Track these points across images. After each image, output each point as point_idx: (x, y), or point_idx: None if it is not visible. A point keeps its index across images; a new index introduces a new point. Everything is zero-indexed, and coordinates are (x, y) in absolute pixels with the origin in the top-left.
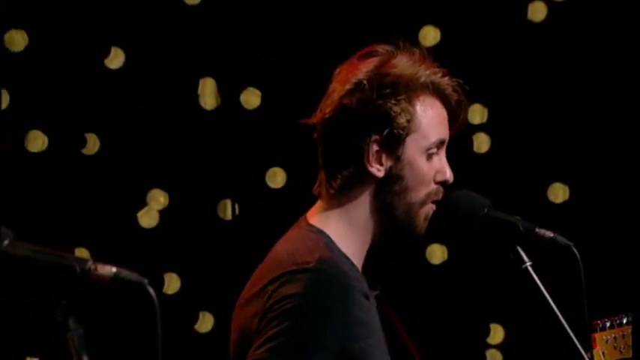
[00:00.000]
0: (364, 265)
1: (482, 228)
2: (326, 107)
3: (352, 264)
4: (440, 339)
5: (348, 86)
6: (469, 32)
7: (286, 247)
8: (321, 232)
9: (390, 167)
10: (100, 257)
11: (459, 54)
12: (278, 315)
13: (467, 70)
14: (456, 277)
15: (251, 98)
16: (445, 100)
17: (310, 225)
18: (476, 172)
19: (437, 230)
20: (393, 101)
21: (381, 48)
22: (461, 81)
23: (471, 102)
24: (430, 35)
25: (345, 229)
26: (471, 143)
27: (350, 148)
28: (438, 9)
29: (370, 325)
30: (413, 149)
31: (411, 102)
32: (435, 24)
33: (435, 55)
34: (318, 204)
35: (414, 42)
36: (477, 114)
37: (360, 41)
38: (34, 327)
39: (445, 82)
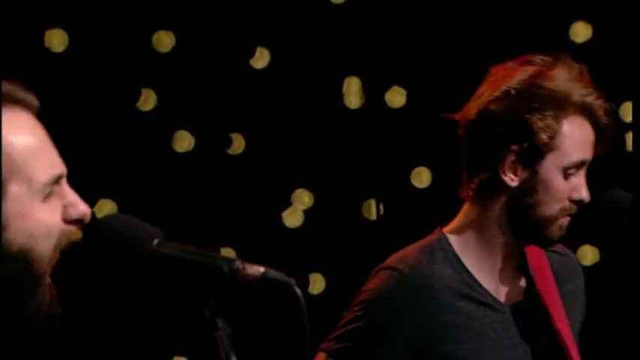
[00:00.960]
0: (503, 274)
1: None
2: (472, 109)
3: (464, 269)
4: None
5: (497, 93)
6: (621, 28)
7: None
8: (440, 237)
9: (525, 179)
10: (244, 257)
11: (610, 51)
12: (351, 306)
13: (617, 67)
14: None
15: (396, 97)
16: (594, 123)
17: (439, 229)
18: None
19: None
20: (538, 116)
21: (540, 58)
22: (613, 105)
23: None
24: (582, 32)
25: (472, 237)
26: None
27: (488, 154)
28: (589, 4)
29: (472, 331)
30: (551, 166)
31: (557, 119)
32: (587, 20)
33: (585, 52)
34: (462, 207)
35: (565, 39)
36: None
37: (509, 40)
38: (183, 326)
39: (598, 104)
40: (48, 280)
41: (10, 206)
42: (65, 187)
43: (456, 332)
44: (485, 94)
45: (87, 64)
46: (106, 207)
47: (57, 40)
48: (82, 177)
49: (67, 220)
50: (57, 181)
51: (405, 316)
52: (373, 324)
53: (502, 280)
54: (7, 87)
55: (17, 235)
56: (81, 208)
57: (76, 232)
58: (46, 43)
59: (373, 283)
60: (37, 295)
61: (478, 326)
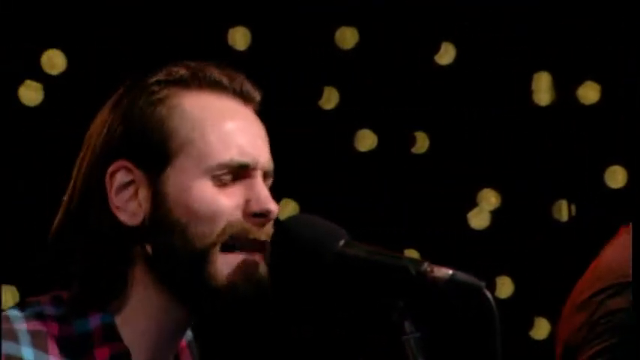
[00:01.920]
0: None
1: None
2: None
3: None
4: None
5: None
6: None
7: (615, 256)
8: None
9: None
10: (429, 259)
11: None
12: (606, 330)
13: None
14: None
15: (589, 93)
16: None
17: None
18: None
19: None
20: None
21: None
22: None
23: None
24: None
25: None
26: None
27: None
28: None
29: None
30: None
31: None
32: None
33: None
34: None
35: None
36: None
37: None
38: (370, 330)
39: None
40: (217, 254)
41: (173, 177)
42: (256, 181)
43: None
44: None
45: (269, 63)
46: (289, 207)
47: (240, 38)
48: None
49: (247, 213)
50: (241, 169)
51: None
52: (635, 350)
53: None
54: (216, 74)
55: (174, 208)
56: (266, 205)
57: (256, 229)
58: (229, 42)
59: (624, 302)
60: (197, 268)
61: None
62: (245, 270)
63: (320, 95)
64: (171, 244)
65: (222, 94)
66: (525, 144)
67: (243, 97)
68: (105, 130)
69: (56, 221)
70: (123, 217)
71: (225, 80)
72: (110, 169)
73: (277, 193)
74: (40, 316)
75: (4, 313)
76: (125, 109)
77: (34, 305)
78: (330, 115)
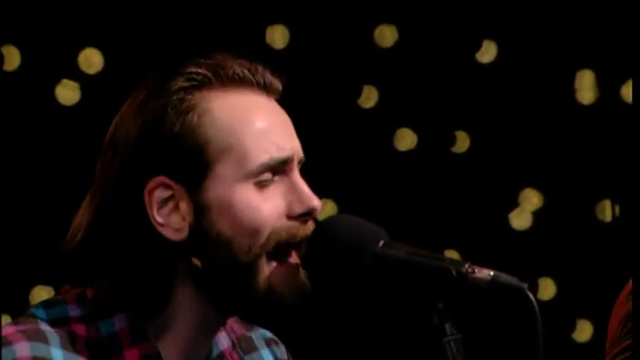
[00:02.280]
0: None
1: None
2: None
3: None
4: None
5: None
6: None
7: None
8: None
9: None
10: (469, 260)
11: None
12: (633, 328)
13: None
14: None
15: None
16: None
17: None
18: None
19: None
20: None
21: None
22: None
23: None
24: None
25: None
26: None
27: None
28: None
29: None
30: None
31: None
32: None
33: None
34: None
35: None
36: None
37: None
38: (410, 330)
39: None
40: (263, 265)
41: (214, 187)
42: (295, 175)
43: None
44: None
45: (307, 61)
46: (327, 207)
47: (278, 36)
48: (300, 175)
49: (291, 216)
50: (280, 164)
51: None
52: None
53: None
54: (239, 70)
55: (217, 220)
56: (309, 203)
57: (300, 228)
58: (268, 40)
59: None
60: (243, 281)
61: None
62: (288, 278)
63: (359, 94)
64: (216, 256)
65: (246, 89)
66: (568, 143)
67: (267, 89)
68: (133, 143)
69: (84, 226)
70: (166, 233)
71: (247, 74)
72: (148, 187)
73: (315, 193)
74: (66, 317)
75: (29, 312)
76: (154, 121)
77: (59, 304)
78: (369, 114)
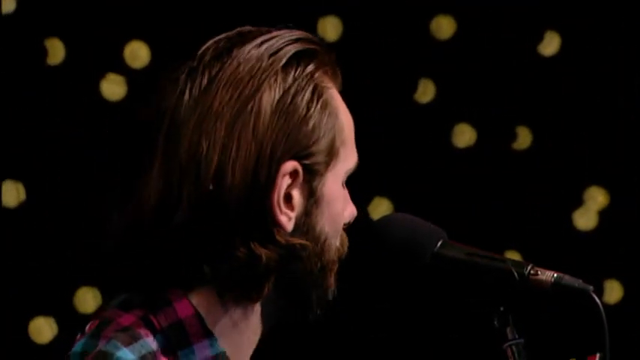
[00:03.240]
0: None
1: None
2: None
3: None
4: None
5: None
6: None
7: None
8: None
9: None
10: (532, 261)
11: None
12: None
13: None
14: None
15: None
16: None
17: None
18: None
19: None
20: None
21: None
22: None
23: None
24: None
25: None
26: None
27: None
28: None
29: None
30: None
31: None
32: None
33: None
34: None
35: None
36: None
37: None
38: (469, 336)
39: None
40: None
41: (330, 182)
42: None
43: None
44: None
45: (361, 54)
46: (382, 206)
47: (331, 28)
48: (355, 174)
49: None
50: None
51: None
52: None
53: None
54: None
55: (324, 214)
56: (354, 212)
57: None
58: (319, 32)
59: None
60: (320, 285)
61: None
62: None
63: (415, 88)
64: (312, 252)
65: (337, 83)
66: (636, 139)
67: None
68: (261, 122)
69: (157, 199)
70: (281, 219)
71: (338, 70)
72: (282, 170)
73: (370, 192)
74: (148, 354)
75: (103, 350)
76: (281, 101)
77: (135, 338)
78: (425, 109)
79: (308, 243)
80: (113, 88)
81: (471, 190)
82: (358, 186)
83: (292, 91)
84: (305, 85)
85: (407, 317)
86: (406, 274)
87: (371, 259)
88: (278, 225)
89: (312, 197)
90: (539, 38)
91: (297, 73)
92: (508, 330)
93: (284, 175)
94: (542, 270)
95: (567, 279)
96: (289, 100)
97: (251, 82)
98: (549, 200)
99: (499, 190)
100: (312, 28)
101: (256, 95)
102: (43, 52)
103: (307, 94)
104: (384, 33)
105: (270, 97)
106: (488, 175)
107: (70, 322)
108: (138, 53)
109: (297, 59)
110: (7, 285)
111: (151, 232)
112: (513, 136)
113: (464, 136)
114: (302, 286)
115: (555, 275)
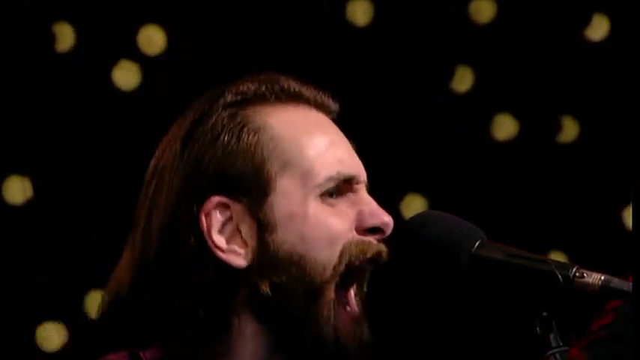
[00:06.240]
0: None
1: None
2: None
3: None
4: None
5: None
6: None
7: None
8: None
9: None
10: (578, 262)
11: None
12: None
13: None
14: None
15: None
16: None
17: None
18: None
19: None
20: None
21: None
22: None
23: None
24: None
25: None
26: None
27: None
28: None
29: None
30: None
31: None
32: None
33: None
34: None
35: None
36: None
37: None
38: (509, 343)
39: None
40: (332, 295)
41: (278, 203)
42: (362, 193)
43: None
44: None
45: (393, 40)
46: (415, 203)
47: (360, 13)
48: (386, 168)
49: (360, 229)
50: (346, 182)
51: None
52: None
53: None
54: (295, 85)
55: (286, 237)
56: (381, 217)
57: (375, 245)
58: (349, 17)
59: None
60: (312, 310)
61: None
62: (353, 327)
63: (452, 76)
64: (288, 277)
65: (304, 106)
66: None
67: (324, 109)
68: (181, 165)
69: (128, 273)
70: (229, 258)
71: (304, 90)
72: (204, 209)
73: (403, 188)
74: None
75: None
76: (204, 139)
77: None
78: (463, 99)
79: (275, 271)
80: (126, 76)
81: (512, 186)
82: (388, 181)
83: (209, 130)
84: (225, 120)
85: (442, 323)
86: (441, 277)
87: (404, 261)
88: (225, 265)
89: (262, 224)
90: (587, 21)
91: (218, 111)
92: (551, 337)
93: (209, 213)
94: (589, 272)
95: (616, 282)
96: (206, 139)
97: (171, 137)
98: (597, 197)
99: (542, 186)
100: (340, 13)
101: (171, 146)
102: (51, 38)
103: (221, 132)
104: (417, 17)
105: (185, 142)
106: (531, 170)
107: (80, 327)
108: (153, 39)
109: (223, 101)
110: (12, 288)
111: (126, 301)
112: (558, 128)
113: (504, 127)
114: (286, 319)
115: (603, 278)
